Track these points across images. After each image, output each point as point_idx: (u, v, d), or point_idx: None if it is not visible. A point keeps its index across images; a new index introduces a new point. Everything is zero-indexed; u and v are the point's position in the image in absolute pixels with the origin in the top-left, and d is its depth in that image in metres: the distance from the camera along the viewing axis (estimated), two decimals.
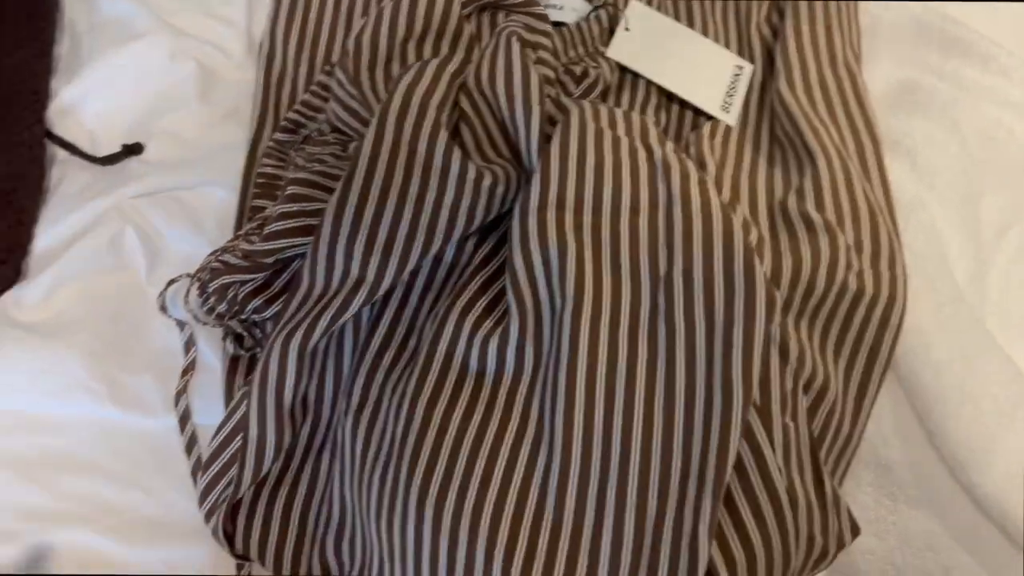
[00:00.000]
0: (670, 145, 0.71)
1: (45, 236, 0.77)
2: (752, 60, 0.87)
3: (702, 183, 0.66)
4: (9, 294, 0.75)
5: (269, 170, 0.79)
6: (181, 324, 0.74)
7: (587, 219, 0.66)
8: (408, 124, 0.67)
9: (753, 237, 0.67)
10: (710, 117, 0.83)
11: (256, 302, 0.71)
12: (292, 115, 0.80)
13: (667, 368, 0.59)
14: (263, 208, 0.78)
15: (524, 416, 0.61)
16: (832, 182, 0.71)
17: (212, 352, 0.74)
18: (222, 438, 0.69)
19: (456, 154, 0.67)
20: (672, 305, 0.61)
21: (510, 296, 0.64)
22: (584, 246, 0.64)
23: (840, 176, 0.72)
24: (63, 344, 0.72)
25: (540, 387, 0.62)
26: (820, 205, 0.70)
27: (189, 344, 0.74)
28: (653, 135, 0.71)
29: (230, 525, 0.67)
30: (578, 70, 0.79)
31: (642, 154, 0.69)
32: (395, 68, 0.75)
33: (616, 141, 0.69)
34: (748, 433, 0.57)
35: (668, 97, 0.85)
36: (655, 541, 0.55)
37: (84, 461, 0.71)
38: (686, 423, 0.58)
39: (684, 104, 0.85)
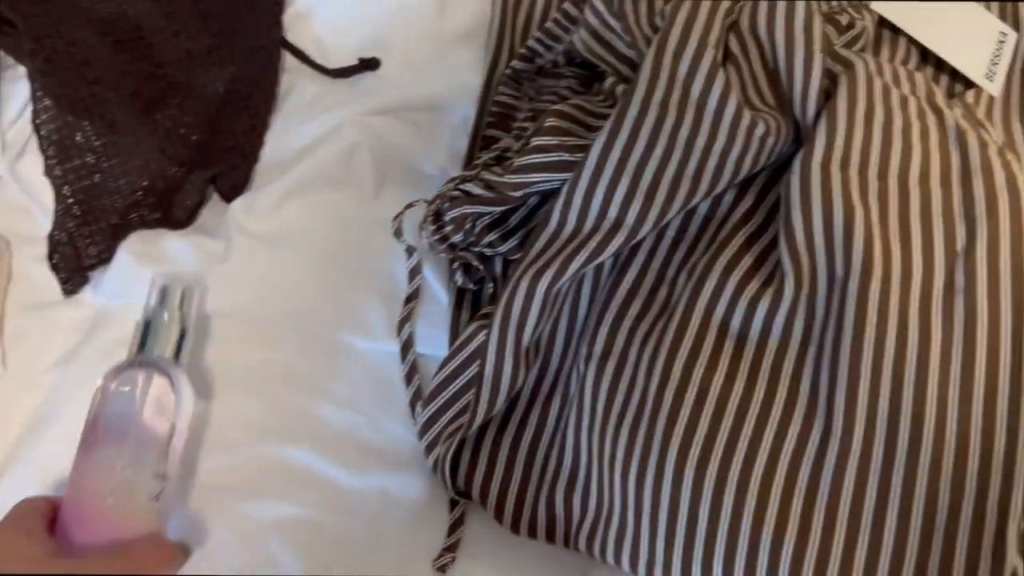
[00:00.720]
0: (959, 110, 0.65)
1: (275, 145, 0.76)
2: (1016, 28, 0.80)
3: (1002, 154, 0.61)
4: (239, 202, 0.74)
5: (505, 99, 0.76)
6: (410, 250, 0.72)
7: (873, 182, 0.61)
8: (684, 63, 0.62)
9: None
10: (969, 85, 0.77)
11: (492, 236, 0.69)
12: (532, 44, 0.76)
13: (964, 354, 0.55)
14: (496, 139, 0.75)
15: (792, 389, 0.57)
16: None
17: (438, 282, 0.72)
18: (448, 372, 0.67)
19: (732, 99, 0.62)
20: (973, 285, 0.56)
21: (785, 257, 0.60)
22: (871, 211, 0.59)
23: None
24: (291, 257, 0.71)
25: (812, 360, 0.58)
26: None
27: (415, 271, 0.72)
28: (939, 97, 0.66)
29: (451, 462, 0.66)
30: (843, 20, 0.73)
31: (931, 117, 0.63)
32: (659, 2, 0.70)
33: (903, 100, 0.64)
34: None
35: (923, 58, 0.79)
36: (948, 534, 0.51)
37: (305, 378, 0.70)
38: (986, 411, 0.53)
39: (940, 68, 0.79)
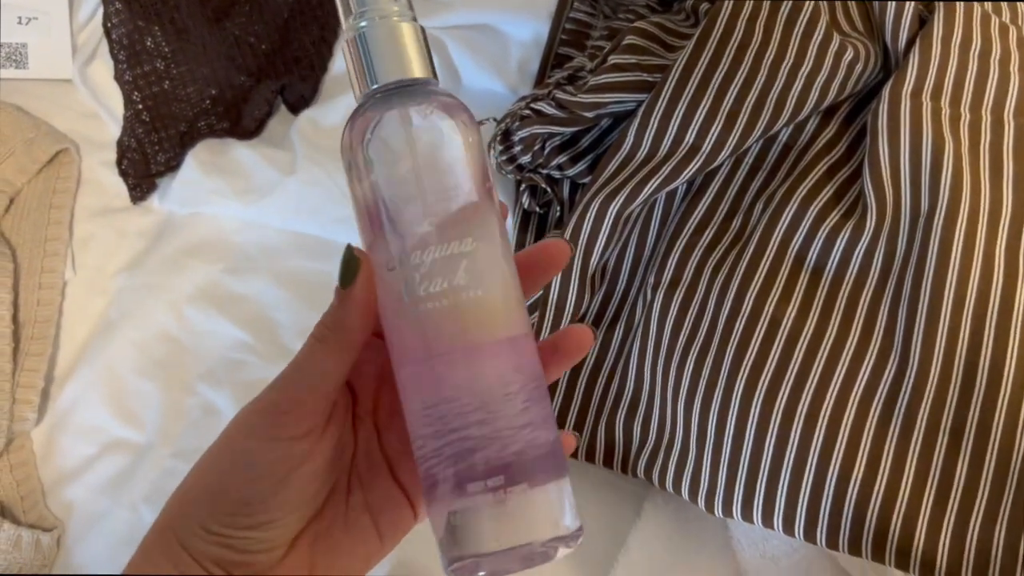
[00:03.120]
0: None
1: (343, 58, 0.74)
2: None
3: None
4: (307, 114, 0.73)
5: (581, 16, 0.73)
6: None
7: (965, 114, 0.58)
8: None
9: None
10: None
11: (562, 158, 0.67)
12: None
13: None
14: (570, 57, 0.73)
15: (869, 323, 0.56)
16: None
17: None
18: None
19: (822, 21, 0.60)
20: None
21: (868, 187, 0.58)
22: (961, 144, 0.57)
23: None
24: None
25: (890, 296, 0.56)
26: None
27: None
28: None
29: None
30: None
31: None
32: None
33: (1004, 29, 0.61)
34: None
35: None
36: (1022, 479, 0.50)
37: None
38: None
39: None
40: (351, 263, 0.33)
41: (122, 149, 0.73)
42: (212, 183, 0.70)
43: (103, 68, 0.76)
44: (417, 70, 0.33)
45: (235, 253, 0.71)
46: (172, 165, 0.73)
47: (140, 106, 0.73)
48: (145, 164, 0.73)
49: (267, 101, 0.73)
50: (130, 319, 0.70)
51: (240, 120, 0.73)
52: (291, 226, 0.71)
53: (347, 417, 0.37)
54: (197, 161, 0.72)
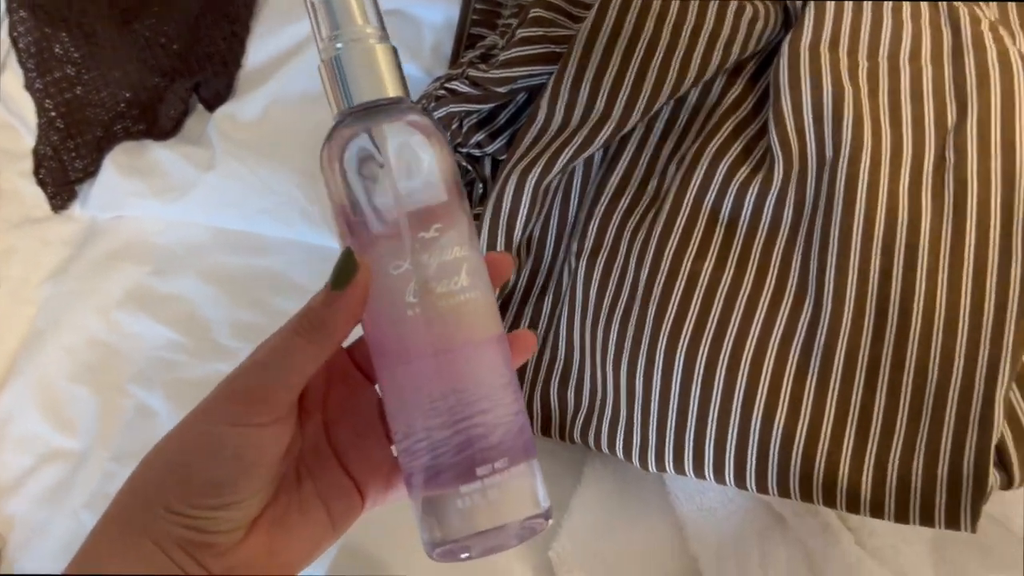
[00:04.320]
0: None
1: (257, 51, 0.75)
2: None
3: (994, 29, 0.59)
4: (224, 109, 0.73)
5: None
6: None
7: (863, 62, 0.60)
8: None
9: None
10: None
11: (480, 135, 0.68)
12: None
13: (954, 226, 0.54)
14: (482, 37, 0.74)
15: (783, 271, 0.57)
16: None
17: None
18: None
19: None
20: (963, 160, 0.55)
21: (774, 139, 0.59)
22: (861, 91, 0.58)
23: None
24: (279, 163, 0.70)
25: (802, 242, 0.57)
26: None
27: None
28: None
29: None
30: None
31: None
32: None
33: None
34: None
35: None
36: (937, 405, 0.52)
37: (293, 284, 0.70)
38: (975, 286, 0.53)
39: None
40: (348, 267, 0.34)
41: (38, 158, 0.73)
42: (131, 185, 0.70)
43: (13, 78, 0.75)
44: (391, 90, 0.35)
45: (161, 254, 0.71)
46: (90, 171, 0.72)
47: (53, 113, 0.72)
48: (63, 172, 0.72)
49: (182, 100, 0.73)
50: (59, 327, 0.70)
51: (156, 121, 0.72)
52: (214, 222, 0.71)
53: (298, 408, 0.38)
54: (115, 165, 0.72)
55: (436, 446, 0.34)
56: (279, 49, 0.74)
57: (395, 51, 0.36)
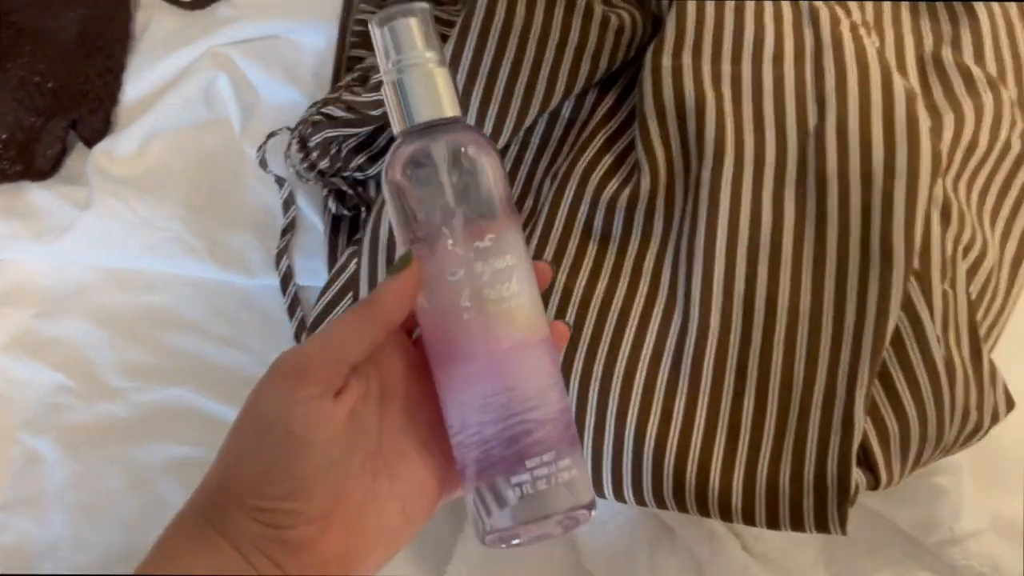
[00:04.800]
0: None
1: (134, 85, 0.74)
2: None
3: (854, 28, 0.60)
4: (101, 146, 0.72)
5: (367, 17, 0.74)
6: (280, 181, 0.71)
7: (726, 67, 0.60)
8: None
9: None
10: None
11: (360, 158, 0.67)
12: None
13: (817, 228, 0.55)
14: (362, 59, 0.73)
15: (655, 281, 0.57)
16: (993, 31, 0.64)
17: (313, 211, 0.70)
18: (327, 301, 0.67)
19: None
20: (823, 161, 0.55)
21: (640, 152, 0.59)
22: (723, 98, 0.58)
23: (1002, 24, 0.65)
24: (160, 198, 0.70)
25: (672, 251, 0.57)
26: (980, 57, 0.64)
27: (288, 202, 0.70)
28: None
29: None
30: None
31: None
32: None
33: None
34: (906, 299, 0.53)
35: None
36: (803, 409, 0.52)
37: (185, 320, 0.69)
38: (838, 286, 0.53)
39: None
40: (405, 258, 0.37)
41: None
42: (8, 228, 0.69)
43: None
44: (448, 110, 0.38)
45: (45, 296, 0.70)
46: None
47: None
48: None
49: (59, 139, 0.71)
50: None
51: (34, 161, 0.71)
52: (96, 261, 0.70)
53: (369, 402, 0.38)
54: None
55: (488, 440, 0.36)
56: (156, 83, 0.74)
57: (452, 75, 0.40)
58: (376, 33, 0.38)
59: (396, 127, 0.38)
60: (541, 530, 0.37)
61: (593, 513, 0.38)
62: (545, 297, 0.57)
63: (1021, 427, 0.58)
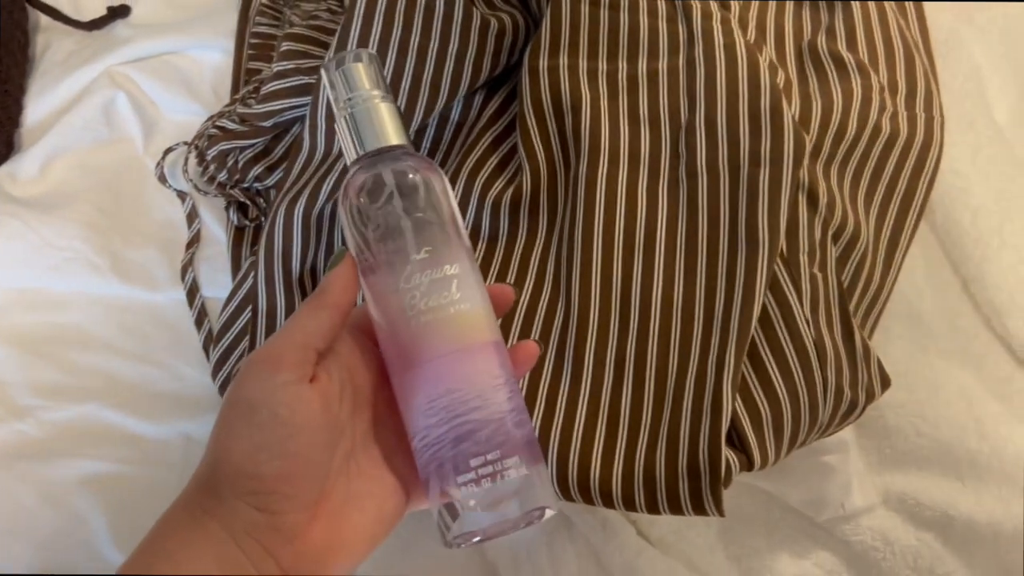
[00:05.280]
0: None
1: (35, 107, 0.74)
2: None
3: (725, 23, 0.61)
4: (4, 168, 0.72)
5: (264, 29, 0.75)
6: (182, 195, 0.71)
7: (602, 66, 0.61)
8: None
9: (780, 79, 0.62)
10: None
11: (257, 169, 0.68)
12: None
13: (688, 220, 0.56)
14: (260, 71, 0.74)
15: (539, 277, 0.59)
16: (865, 19, 0.66)
17: (216, 224, 0.71)
18: (232, 309, 0.68)
19: (458, 1, 0.62)
20: (694, 154, 0.57)
21: (521, 151, 0.60)
22: (600, 95, 0.60)
23: (874, 12, 0.67)
24: (62, 218, 0.70)
25: (555, 246, 0.59)
26: (852, 44, 0.65)
27: (192, 216, 0.71)
28: None
29: None
30: None
31: None
32: None
33: None
34: (774, 284, 0.54)
35: None
36: (676, 396, 0.54)
37: (92, 337, 0.69)
38: (708, 275, 0.55)
39: None
40: (339, 254, 0.41)
41: None
42: None
43: None
44: (394, 138, 0.42)
45: None
46: None
47: None
48: None
49: None
50: None
51: None
52: (3, 283, 0.70)
53: (344, 406, 0.40)
54: None
55: (437, 441, 0.38)
56: (56, 104, 0.74)
57: (398, 108, 0.44)
58: (329, 76, 0.42)
59: (349, 156, 0.42)
60: (499, 527, 0.39)
61: (549, 511, 0.40)
62: None
63: (904, 404, 0.60)
